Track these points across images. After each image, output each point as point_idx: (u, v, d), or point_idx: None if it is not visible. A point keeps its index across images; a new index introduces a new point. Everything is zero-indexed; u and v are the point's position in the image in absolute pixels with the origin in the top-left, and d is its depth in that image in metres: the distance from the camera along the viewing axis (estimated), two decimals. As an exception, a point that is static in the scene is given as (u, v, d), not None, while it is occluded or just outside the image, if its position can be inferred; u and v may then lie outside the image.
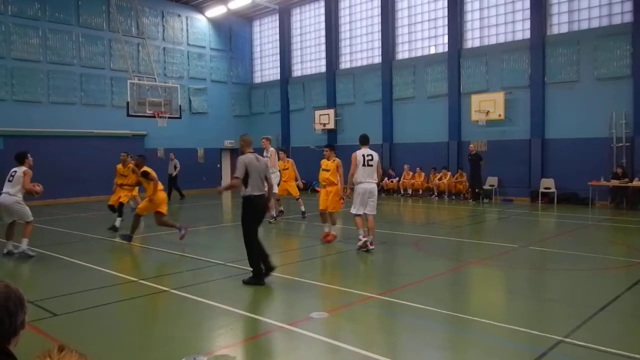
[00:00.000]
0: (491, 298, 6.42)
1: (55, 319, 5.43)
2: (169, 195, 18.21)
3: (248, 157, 6.68)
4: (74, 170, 19.07)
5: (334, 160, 10.01)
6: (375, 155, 8.89)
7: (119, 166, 12.58)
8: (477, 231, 12.24)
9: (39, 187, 8.62)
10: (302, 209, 13.48)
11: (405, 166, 20.28)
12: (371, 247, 8.78)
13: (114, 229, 11.51)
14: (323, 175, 10.03)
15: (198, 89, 24.25)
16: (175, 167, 19.59)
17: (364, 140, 8.98)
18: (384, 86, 21.33)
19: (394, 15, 21.40)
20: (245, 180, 6.59)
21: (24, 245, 8.68)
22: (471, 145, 18.03)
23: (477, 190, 17.75)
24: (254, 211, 6.73)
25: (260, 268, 6.70)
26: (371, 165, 8.79)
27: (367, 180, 8.79)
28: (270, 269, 6.80)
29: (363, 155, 8.81)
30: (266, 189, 6.88)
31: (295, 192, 13.24)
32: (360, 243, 8.86)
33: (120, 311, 5.86)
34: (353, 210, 9.01)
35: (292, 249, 10.18)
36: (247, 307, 5.74)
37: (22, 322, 1.78)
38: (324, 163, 10.09)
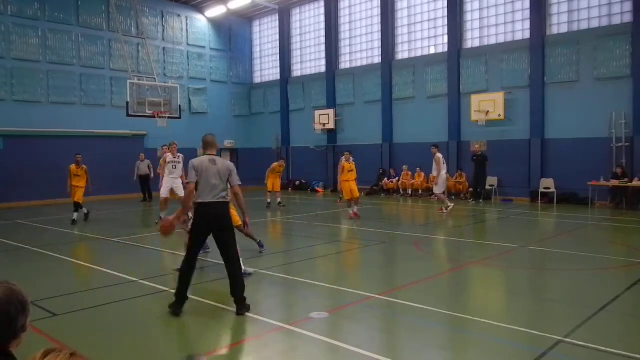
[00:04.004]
0: (491, 298, 6.42)
1: (55, 319, 5.42)
2: (149, 196, 18.43)
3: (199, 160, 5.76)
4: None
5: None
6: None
7: (73, 166, 13.44)
8: (477, 231, 12.25)
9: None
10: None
11: (404, 167, 20.27)
12: None
13: (75, 222, 12.96)
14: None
15: (198, 89, 24.24)
16: (149, 167, 18.93)
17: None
18: (384, 86, 21.32)
19: (393, 15, 21.39)
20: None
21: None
22: (477, 145, 18.03)
23: (479, 190, 17.74)
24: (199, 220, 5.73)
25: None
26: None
27: None
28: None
29: None
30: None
31: None
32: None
33: (120, 311, 5.86)
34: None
35: (292, 249, 10.18)
36: (247, 307, 5.72)
37: (23, 326, 1.76)
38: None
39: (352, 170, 13.59)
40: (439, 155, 14.35)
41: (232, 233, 5.76)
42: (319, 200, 19.70)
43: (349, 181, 13.39)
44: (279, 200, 16.60)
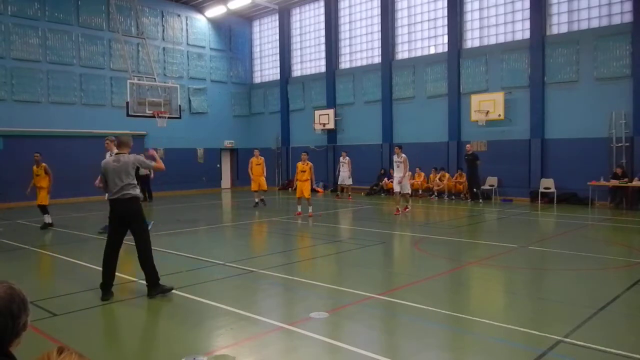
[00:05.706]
0: (491, 298, 6.42)
1: (55, 319, 5.42)
2: (150, 197, 18.47)
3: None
4: (73, 170, 19.02)
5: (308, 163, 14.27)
6: None
7: (34, 167, 12.61)
8: (477, 231, 12.24)
9: None
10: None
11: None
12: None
13: (46, 226, 12.18)
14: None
15: (198, 89, 24.25)
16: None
17: None
18: (384, 86, 21.33)
19: (393, 15, 21.40)
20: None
21: None
22: (468, 145, 18.06)
23: (474, 190, 17.76)
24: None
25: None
26: None
27: None
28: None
29: None
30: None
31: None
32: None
33: (120, 311, 5.86)
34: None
35: (292, 249, 10.18)
36: (247, 307, 5.73)
37: (24, 324, 1.78)
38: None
39: (304, 171, 14.19)
40: (404, 155, 14.63)
41: (141, 224, 6.40)
42: (318, 200, 19.67)
43: (300, 181, 14.18)
44: (261, 197, 16.62)
